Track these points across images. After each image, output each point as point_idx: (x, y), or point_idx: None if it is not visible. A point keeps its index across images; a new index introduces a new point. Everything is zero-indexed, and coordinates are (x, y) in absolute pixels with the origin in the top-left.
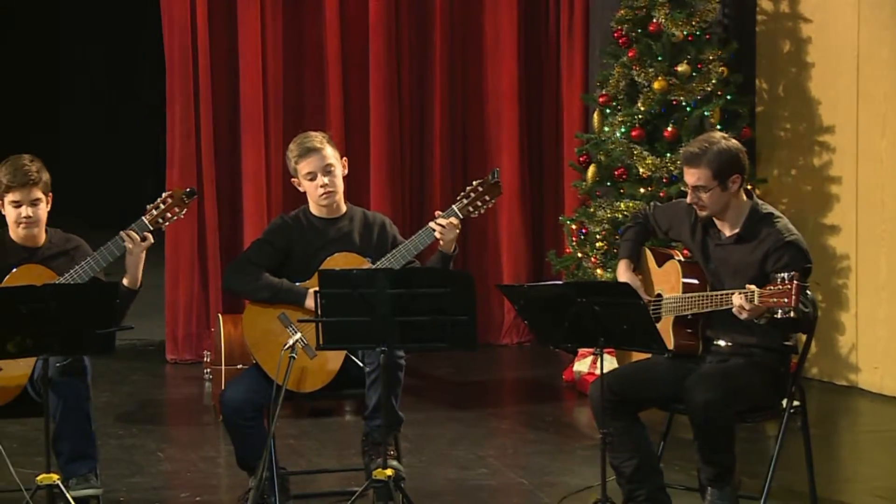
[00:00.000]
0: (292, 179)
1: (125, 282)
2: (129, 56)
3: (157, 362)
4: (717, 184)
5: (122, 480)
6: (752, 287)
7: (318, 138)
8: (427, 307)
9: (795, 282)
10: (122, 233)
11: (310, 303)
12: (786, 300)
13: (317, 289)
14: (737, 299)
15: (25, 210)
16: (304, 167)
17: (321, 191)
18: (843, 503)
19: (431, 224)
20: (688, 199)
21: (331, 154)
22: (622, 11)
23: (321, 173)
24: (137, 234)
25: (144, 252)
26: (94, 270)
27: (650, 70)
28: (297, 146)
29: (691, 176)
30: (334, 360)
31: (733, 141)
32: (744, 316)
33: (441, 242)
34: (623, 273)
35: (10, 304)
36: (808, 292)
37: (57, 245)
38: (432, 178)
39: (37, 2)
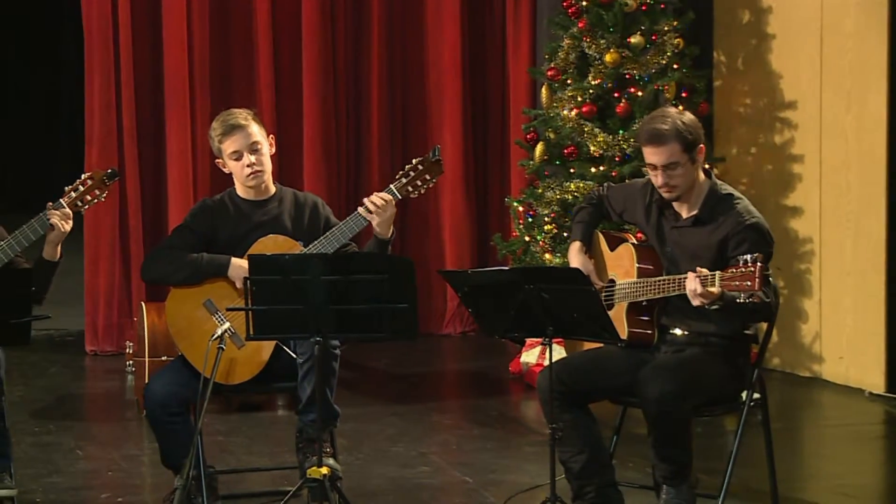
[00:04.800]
0: (217, 161)
1: (44, 254)
2: (46, 26)
3: (76, 354)
4: (687, 158)
5: (38, 480)
6: (704, 270)
7: (242, 115)
8: (364, 294)
9: (759, 264)
10: (45, 212)
11: (233, 272)
12: (748, 284)
13: (237, 259)
14: (690, 283)
15: None
16: (229, 146)
17: (248, 170)
18: (806, 501)
19: (364, 205)
20: (658, 182)
21: (257, 131)
22: None
23: (247, 152)
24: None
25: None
26: (8, 255)
27: (601, 42)
28: (220, 124)
29: (659, 155)
30: (264, 349)
31: (687, 113)
32: (696, 302)
33: (376, 226)
34: (575, 257)
35: None
36: (770, 278)
37: None
38: (370, 157)
39: None
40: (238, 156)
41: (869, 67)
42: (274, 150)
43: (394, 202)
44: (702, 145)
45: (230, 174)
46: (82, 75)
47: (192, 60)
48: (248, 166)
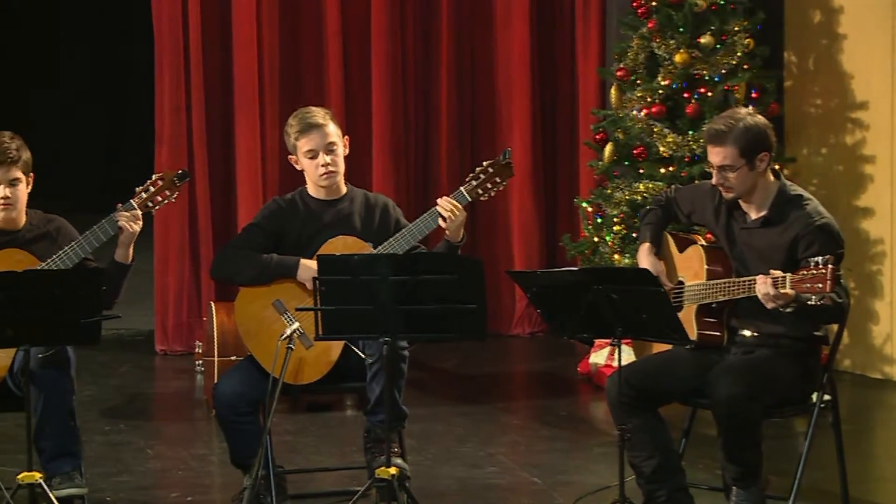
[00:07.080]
0: (290, 157)
1: (116, 257)
2: (118, 27)
3: (146, 353)
4: (744, 162)
5: (108, 479)
6: (777, 272)
7: (320, 114)
8: (433, 295)
9: (830, 266)
10: (115, 214)
11: (302, 274)
12: (820, 286)
13: (307, 260)
14: (762, 287)
15: (3, 190)
16: (305, 144)
17: (322, 170)
18: (877, 503)
19: (437, 206)
20: (713, 181)
21: (334, 132)
22: None
23: (323, 151)
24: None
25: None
26: (78, 256)
27: (671, 42)
28: (297, 121)
29: (716, 155)
30: (333, 349)
31: (760, 117)
32: (770, 305)
33: (447, 230)
34: (644, 258)
35: None
36: (841, 279)
37: (37, 227)
38: (438, 159)
39: None
40: (313, 154)
41: None
42: (347, 151)
43: (464, 211)
44: (764, 153)
45: (301, 172)
46: (152, 76)
47: (262, 61)
48: (322, 166)
